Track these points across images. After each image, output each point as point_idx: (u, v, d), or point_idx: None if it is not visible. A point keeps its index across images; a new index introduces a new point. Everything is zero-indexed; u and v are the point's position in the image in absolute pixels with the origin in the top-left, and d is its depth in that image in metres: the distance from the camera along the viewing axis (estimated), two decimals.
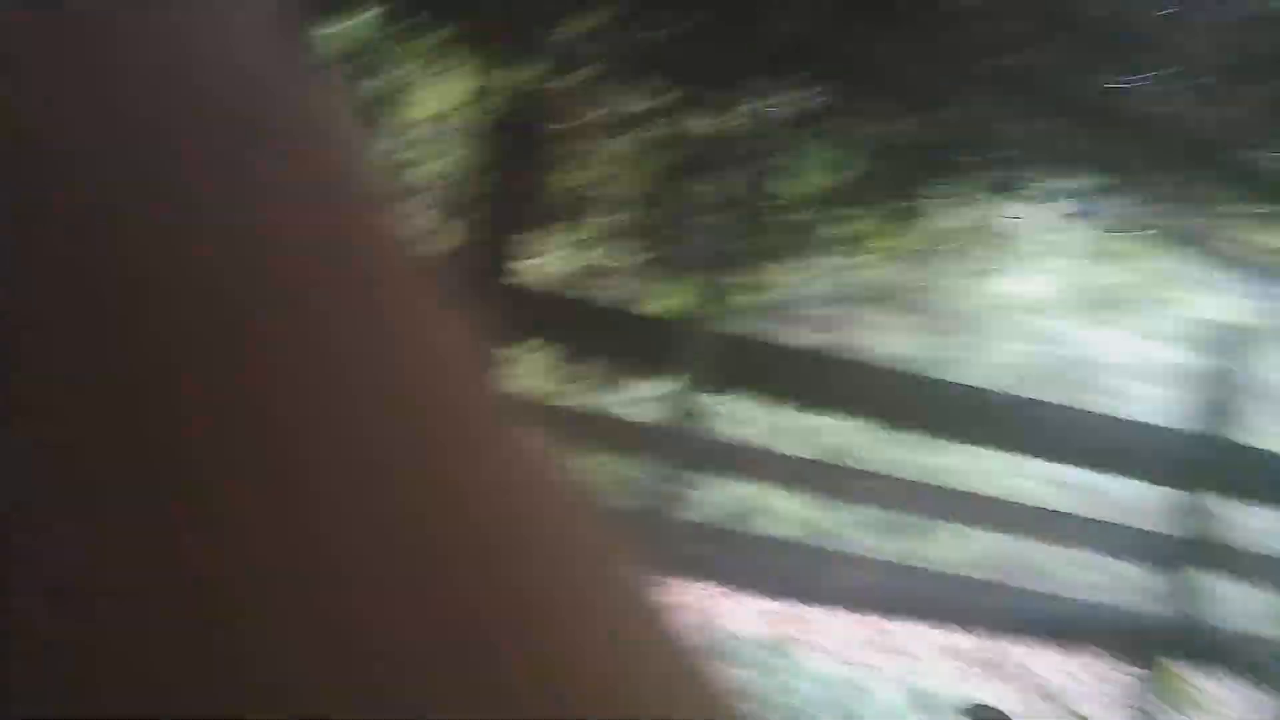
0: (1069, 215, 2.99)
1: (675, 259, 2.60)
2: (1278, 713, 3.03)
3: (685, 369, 2.45)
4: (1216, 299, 3.17)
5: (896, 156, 2.57)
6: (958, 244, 3.08)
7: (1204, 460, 2.97)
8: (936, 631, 4.11)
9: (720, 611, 4.46)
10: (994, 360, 5.23)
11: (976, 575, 3.22)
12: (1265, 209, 2.52)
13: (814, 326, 2.99)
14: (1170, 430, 3.06)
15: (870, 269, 3.02)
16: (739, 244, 2.53)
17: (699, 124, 2.47)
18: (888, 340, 3.96)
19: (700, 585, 2.65)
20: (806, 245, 2.81)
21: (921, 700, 4.15)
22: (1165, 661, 3.01)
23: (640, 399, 2.62)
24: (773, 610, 4.41)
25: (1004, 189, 2.75)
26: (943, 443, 3.05)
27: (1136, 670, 3.04)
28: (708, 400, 2.54)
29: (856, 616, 2.88)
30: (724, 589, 2.71)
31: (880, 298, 3.17)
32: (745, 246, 2.58)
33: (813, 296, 2.95)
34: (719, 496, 4.29)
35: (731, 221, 2.50)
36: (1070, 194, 2.79)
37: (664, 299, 2.61)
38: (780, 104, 2.49)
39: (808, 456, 3.16)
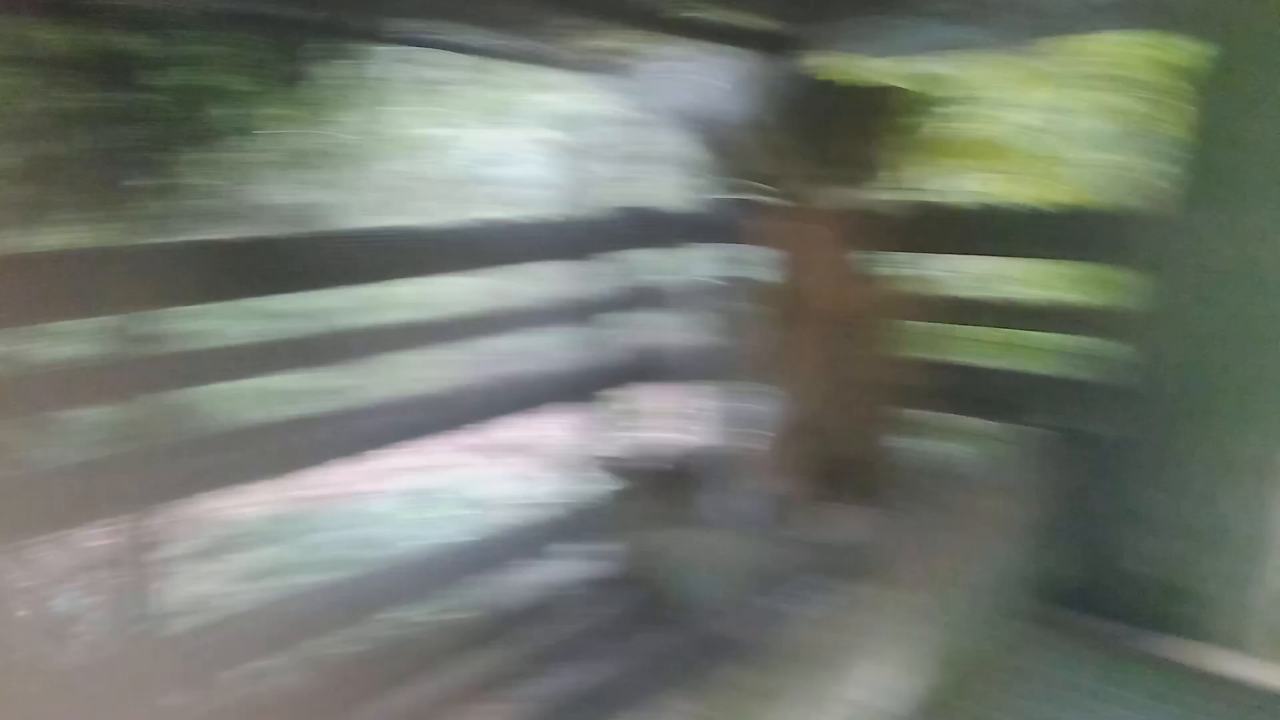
0: (444, 51, 3.24)
1: (78, 185, 2.37)
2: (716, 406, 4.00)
3: (133, 294, 2.28)
4: (572, 97, 3.74)
5: (280, 30, 2.59)
6: (359, 96, 3.18)
7: (599, 226, 3.57)
8: (438, 443, 4.56)
9: (234, 508, 4.47)
10: (409, 192, 5.55)
11: (452, 386, 3.51)
12: (591, 21, 3.03)
13: (244, 213, 2.96)
14: (563, 213, 3.60)
15: (282, 140, 3.04)
16: (139, 153, 2.39)
17: (50, 39, 2.21)
18: (321, 203, 4.03)
19: (209, 495, 2.64)
20: (209, 136, 2.73)
21: (452, 499, 4.67)
22: (617, 392, 3.74)
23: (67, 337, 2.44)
24: (283, 488, 4.53)
25: (387, 39, 2.93)
26: (391, 283, 3.22)
27: (598, 407, 3.76)
28: (161, 318, 2.41)
29: (361, 460, 3.05)
30: (234, 487, 2.73)
31: (299, 165, 3.20)
32: (147, 154, 2.43)
33: (230, 184, 2.89)
34: (200, 403, 4.12)
35: (124, 131, 2.33)
36: (441, 34, 3.03)
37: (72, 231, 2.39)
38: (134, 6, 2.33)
39: (267, 340, 3.17)
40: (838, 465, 2.95)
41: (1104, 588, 0.66)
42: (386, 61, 3.32)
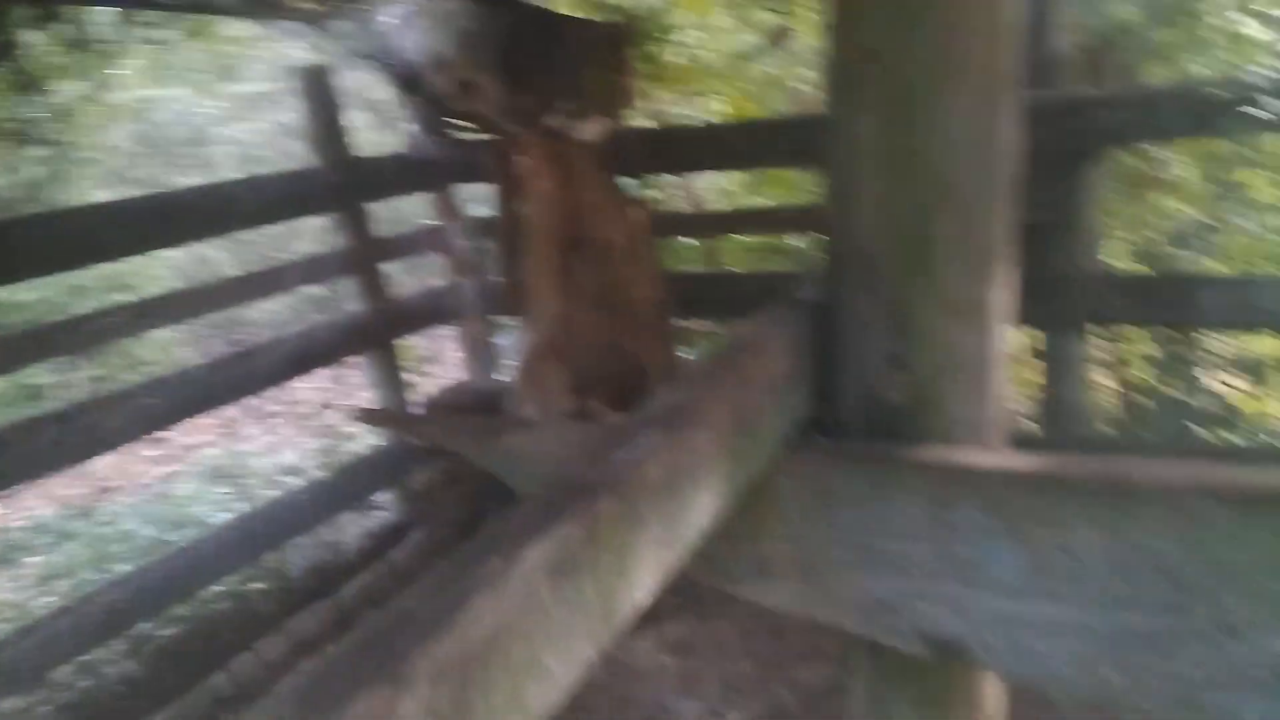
0: (163, 10, 3.04)
1: None
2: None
3: None
4: (298, 48, 3.63)
5: None
6: (78, 63, 2.93)
7: (344, 177, 3.54)
8: (216, 416, 4.40)
9: (16, 511, 4.16)
10: (140, 159, 5.14)
11: (217, 356, 3.41)
12: None
13: None
14: (307, 166, 3.51)
15: None
16: None
17: None
18: (44, 179, 3.65)
19: None
20: None
21: (240, 471, 4.53)
22: (388, 343, 3.78)
23: None
24: (64, 484, 4.25)
25: (103, 1, 2.72)
26: (133, 258, 3.06)
27: (367, 359, 3.77)
28: None
29: (140, 444, 2.96)
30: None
31: (15, 140, 2.90)
32: None
33: None
34: None
35: None
36: None
37: None
38: None
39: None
40: (609, 381, 3.16)
41: (867, 417, 0.89)
42: (105, 25, 3.07)
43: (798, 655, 2.78)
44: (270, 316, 5.06)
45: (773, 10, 4.42)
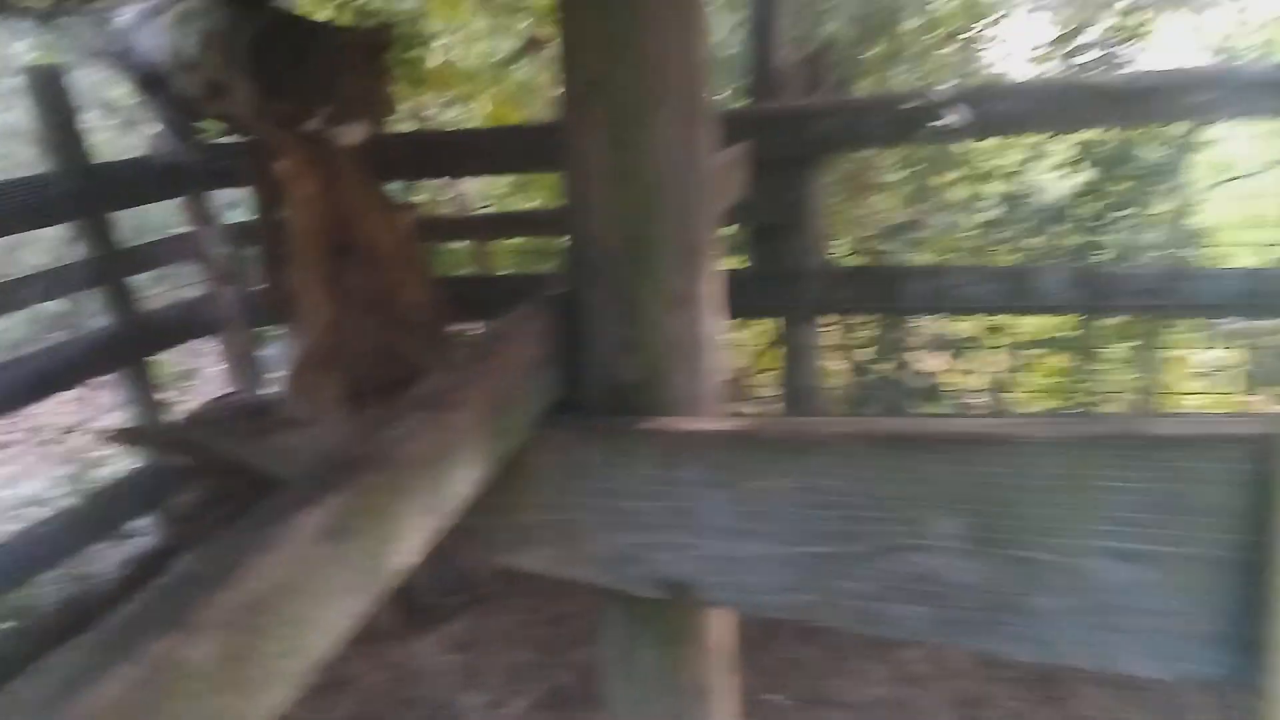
0: None
1: None
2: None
3: None
4: (18, 46, 3.37)
5: None
6: None
7: (88, 182, 3.32)
8: None
9: None
10: None
11: None
12: None
13: None
14: (44, 172, 3.30)
15: None
16: None
17: None
18: None
19: None
20: None
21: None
22: (140, 359, 3.58)
23: None
24: None
25: None
26: None
27: (117, 378, 3.55)
28: None
29: None
30: None
31: None
32: None
33: None
34: None
35: None
36: None
37: None
38: None
39: None
40: (383, 386, 3.17)
41: (607, 395, 1.01)
42: None
43: (575, 640, 2.93)
44: (2, 336, 4.64)
45: (528, 18, 4.56)
